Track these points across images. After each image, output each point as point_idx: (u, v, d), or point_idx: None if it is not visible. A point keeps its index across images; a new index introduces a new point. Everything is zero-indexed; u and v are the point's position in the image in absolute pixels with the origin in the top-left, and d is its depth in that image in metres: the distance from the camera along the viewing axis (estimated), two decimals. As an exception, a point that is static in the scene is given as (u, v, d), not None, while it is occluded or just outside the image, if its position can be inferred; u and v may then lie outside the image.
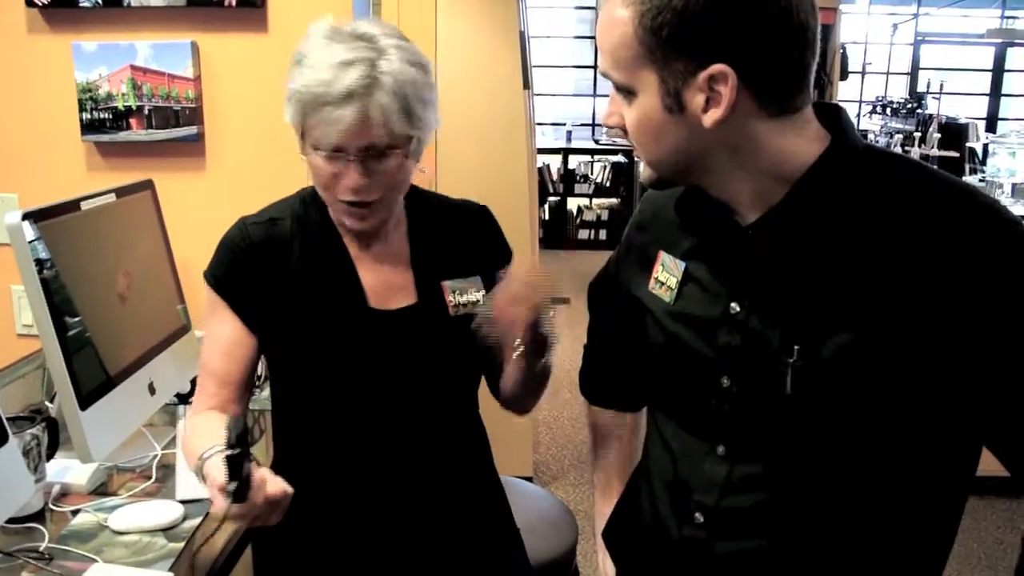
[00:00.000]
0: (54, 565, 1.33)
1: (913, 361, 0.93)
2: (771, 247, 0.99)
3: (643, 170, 1.05)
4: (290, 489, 1.08)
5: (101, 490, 1.60)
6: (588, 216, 8.37)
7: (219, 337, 1.34)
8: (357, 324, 1.33)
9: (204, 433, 1.19)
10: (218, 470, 1.05)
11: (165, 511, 1.47)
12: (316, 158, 1.24)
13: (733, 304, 1.04)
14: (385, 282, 1.36)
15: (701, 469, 1.08)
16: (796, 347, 0.97)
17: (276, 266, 1.34)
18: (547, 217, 8.28)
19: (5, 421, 1.34)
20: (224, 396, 1.33)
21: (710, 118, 0.92)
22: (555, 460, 3.90)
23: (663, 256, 1.14)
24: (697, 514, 1.09)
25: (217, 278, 1.34)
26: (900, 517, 1.03)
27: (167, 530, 1.43)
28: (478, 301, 1.35)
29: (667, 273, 1.13)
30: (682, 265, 1.11)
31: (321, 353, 1.32)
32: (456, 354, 1.36)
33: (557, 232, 8.25)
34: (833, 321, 0.96)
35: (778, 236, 0.99)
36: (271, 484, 1.06)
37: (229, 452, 1.03)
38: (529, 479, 3.14)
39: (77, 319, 1.51)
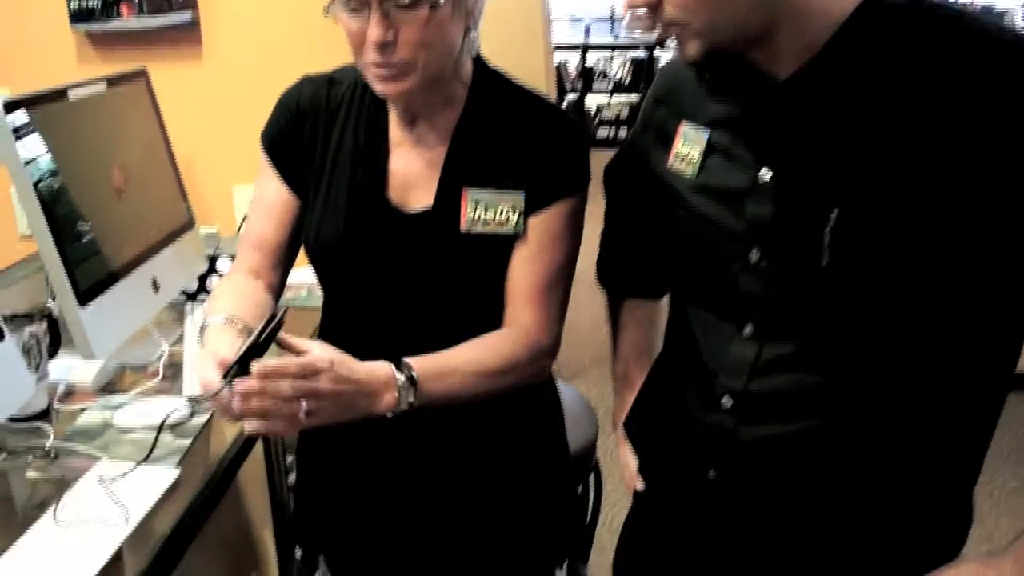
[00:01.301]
0: (59, 463, 1.31)
1: (958, 222, 0.85)
2: (808, 102, 0.91)
3: (688, 46, 0.92)
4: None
5: (109, 389, 1.57)
6: (607, 114, 8.17)
7: (260, 197, 1.29)
8: (368, 217, 1.23)
9: (222, 298, 1.18)
10: (228, 347, 1.03)
11: (171, 408, 1.43)
12: (342, 14, 1.12)
13: (762, 171, 0.95)
14: (412, 174, 1.23)
15: (726, 351, 1.02)
16: (833, 213, 0.89)
17: (321, 131, 1.25)
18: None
19: (1, 320, 1.30)
20: (257, 261, 1.27)
21: None
22: (576, 358, 3.87)
23: (684, 128, 1.06)
24: (724, 399, 1.03)
25: (266, 135, 1.29)
26: (939, 399, 0.97)
27: (174, 427, 1.40)
28: (507, 221, 1.19)
29: (689, 145, 1.05)
30: (705, 135, 1.03)
31: (327, 238, 1.24)
32: (460, 276, 1.22)
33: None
34: (874, 181, 0.87)
35: (816, 89, 0.90)
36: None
37: (253, 342, 1.00)
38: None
39: (71, 213, 1.45)
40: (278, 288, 1.31)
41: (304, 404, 0.99)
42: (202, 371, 1.02)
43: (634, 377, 1.34)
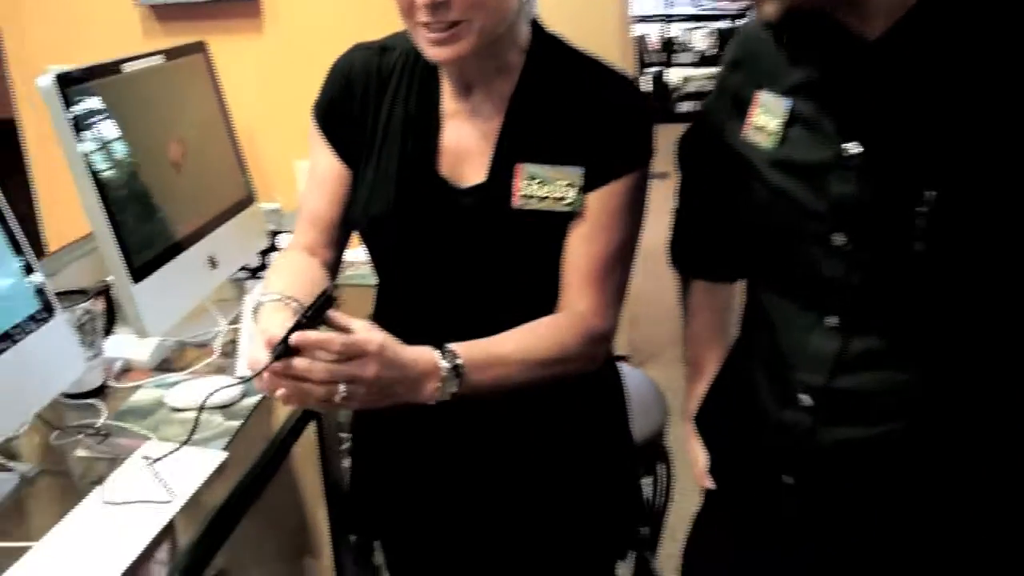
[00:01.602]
0: (108, 442, 1.29)
1: None
2: (902, 64, 0.80)
3: (766, 6, 0.84)
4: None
5: (165, 366, 1.55)
6: (691, 87, 7.93)
7: (314, 171, 1.24)
8: (418, 190, 1.16)
9: (277, 277, 1.13)
10: (279, 326, 0.97)
11: (223, 388, 1.40)
12: None
13: (847, 145, 0.85)
14: (465, 147, 1.17)
15: (806, 343, 0.92)
16: (929, 193, 0.78)
17: (372, 100, 1.20)
18: (650, 89, 7.86)
19: (51, 295, 1.28)
20: (312, 238, 1.23)
21: None
22: (651, 339, 3.76)
23: (762, 96, 0.96)
24: (803, 396, 0.93)
25: (317, 105, 1.24)
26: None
27: (225, 408, 1.37)
28: (563, 198, 1.12)
29: (768, 115, 0.95)
30: (785, 104, 0.93)
31: (377, 210, 1.18)
32: (513, 254, 1.15)
33: (658, 105, 7.85)
34: (979, 158, 0.77)
35: (911, 50, 0.79)
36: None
37: (303, 319, 0.95)
38: (624, 358, 3.02)
39: (135, 190, 1.43)
40: (334, 265, 1.26)
41: (342, 388, 0.94)
42: (252, 350, 0.98)
43: (705, 365, 1.25)
